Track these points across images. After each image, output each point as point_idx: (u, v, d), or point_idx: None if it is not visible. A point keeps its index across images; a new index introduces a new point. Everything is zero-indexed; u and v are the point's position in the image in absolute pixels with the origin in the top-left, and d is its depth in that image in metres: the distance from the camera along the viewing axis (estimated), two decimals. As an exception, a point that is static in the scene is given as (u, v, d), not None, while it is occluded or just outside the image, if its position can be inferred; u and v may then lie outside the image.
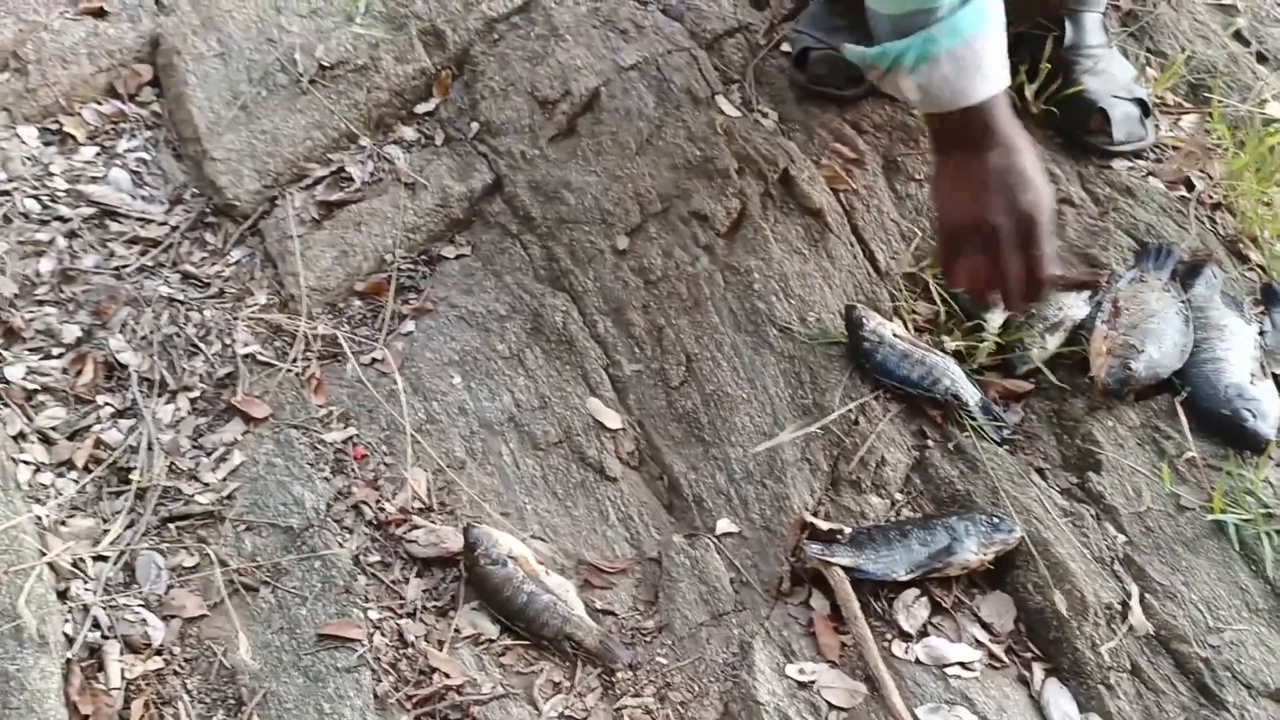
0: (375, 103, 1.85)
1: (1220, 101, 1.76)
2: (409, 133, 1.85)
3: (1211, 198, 1.69)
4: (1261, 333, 1.52)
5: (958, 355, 1.51)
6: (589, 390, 1.54)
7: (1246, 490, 1.36)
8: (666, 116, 1.74)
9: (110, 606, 1.28)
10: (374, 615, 1.30)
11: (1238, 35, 1.95)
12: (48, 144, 1.79)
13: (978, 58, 1.19)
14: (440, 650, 1.28)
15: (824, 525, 1.34)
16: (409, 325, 1.62)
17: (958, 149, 1.27)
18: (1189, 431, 1.41)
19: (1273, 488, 1.36)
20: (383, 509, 1.41)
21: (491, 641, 1.30)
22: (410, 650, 1.28)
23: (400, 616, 1.31)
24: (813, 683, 1.27)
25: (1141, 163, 1.75)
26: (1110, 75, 1.72)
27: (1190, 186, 1.71)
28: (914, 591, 1.34)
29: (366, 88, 1.85)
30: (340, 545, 1.36)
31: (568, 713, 1.25)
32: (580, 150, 1.75)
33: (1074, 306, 1.53)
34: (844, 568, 1.31)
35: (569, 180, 1.71)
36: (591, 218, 1.67)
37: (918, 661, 1.29)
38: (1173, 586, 1.31)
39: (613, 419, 1.51)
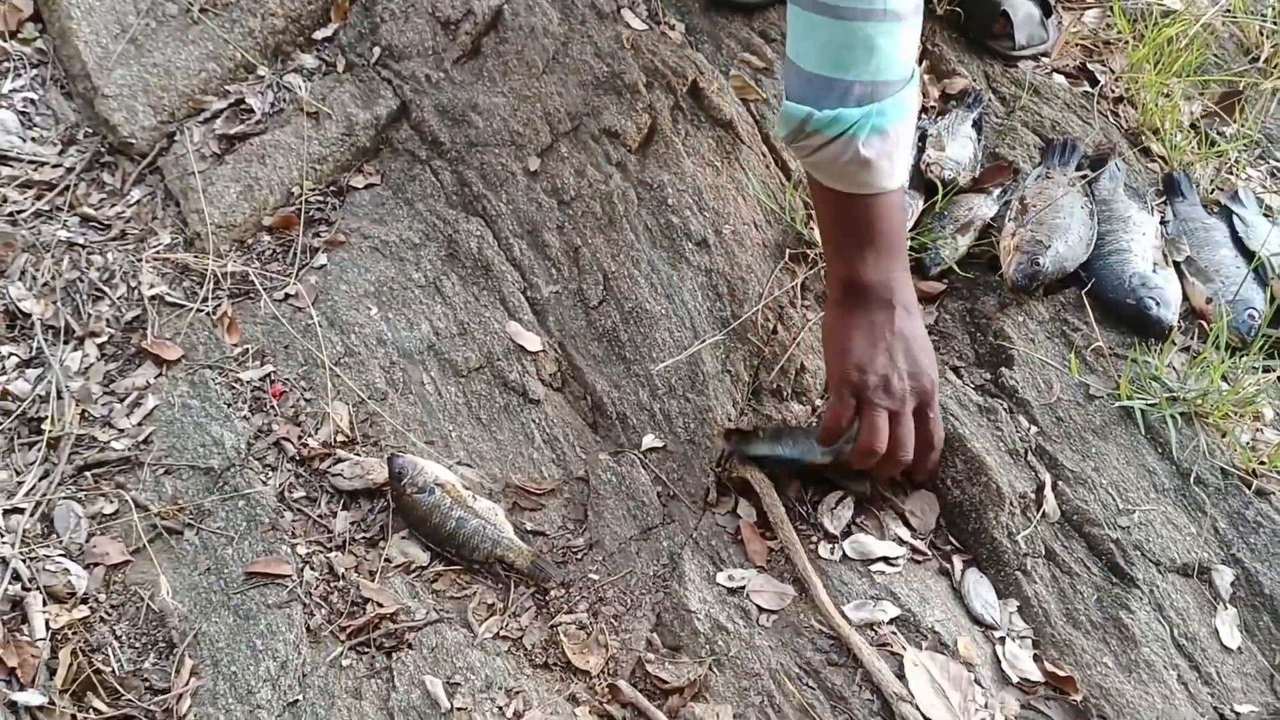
0: (271, 30, 1.79)
1: (1120, -7, 1.78)
2: (309, 60, 1.80)
3: (1114, 91, 1.71)
4: (1163, 222, 1.55)
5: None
6: (508, 314, 1.53)
7: (1152, 376, 1.40)
8: (572, 33, 1.71)
9: (30, 558, 1.26)
10: (302, 550, 1.30)
11: (1136, -73, 1.96)
12: (-74, 87, 1.71)
13: (904, 142, 1.18)
14: (371, 580, 1.28)
15: (744, 426, 1.36)
16: (321, 258, 1.59)
17: (858, 301, 1.26)
18: (1095, 322, 1.44)
19: (1176, 372, 1.41)
20: (305, 444, 1.40)
21: (423, 569, 1.31)
22: (341, 582, 1.28)
23: (329, 550, 1.31)
24: (742, 588, 1.30)
25: (1046, 60, 1.77)
26: (1011, -27, 1.72)
27: (1093, 81, 1.73)
28: (837, 494, 1.37)
29: (261, 15, 1.78)
30: (263, 483, 1.35)
31: (503, 633, 1.26)
32: (486, 71, 1.71)
33: (983, 205, 1.55)
34: (763, 456, 1.33)
35: (476, 102, 1.68)
36: (501, 140, 1.65)
37: (844, 559, 1.32)
38: (1084, 473, 1.35)
39: (533, 341, 1.50)
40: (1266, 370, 1.40)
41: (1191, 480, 1.34)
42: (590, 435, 1.46)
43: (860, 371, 1.24)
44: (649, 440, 1.42)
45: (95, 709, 1.16)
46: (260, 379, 1.46)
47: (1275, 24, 1.79)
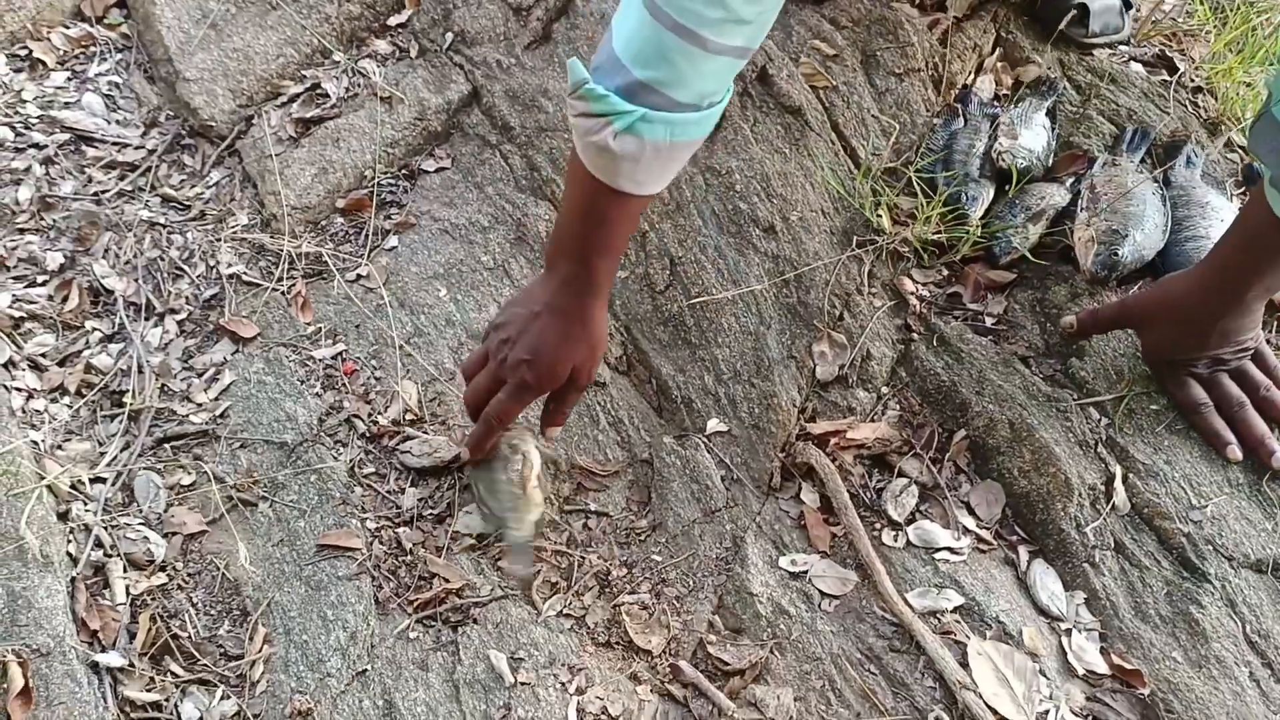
0: (347, 16, 1.82)
1: (1202, -19, 1.75)
2: (382, 46, 1.82)
3: (1193, 80, 1.68)
4: (1243, 213, 1.52)
5: (938, 246, 1.51)
6: (575, 297, 1.54)
7: (1228, 369, 1.37)
8: (642, 18, 1.71)
9: (111, 526, 1.30)
10: (371, 525, 1.32)
11: (1220, -87, 1.92)
12: (18, 70, 1.76)
13: (660, 160, 1.11)
14: (438, 556, 1.30)
15: None
16: (392, 240, 1.62)
17: (546, 273, 1.28)
18: (1170, 313, 1.42)
19: (1253, 366, 1.38)
20: (375, 422, 1.42)
21: (488, 546, 1.32)
22: (409, 557, 1.30)
23: (397, 525, 1.33)
24: (805, 573, 1.30)
25: (1124, 48, 1.74)
26: (1092, -35, 1.69)
27: (1172, 70, 1.69)
28: (902, 481, 1.36)
29: (337, 1, 1.82)
30: (335, 459, 1.38)
31: (566, 611, 1.28)
32: (557, 57, 1.73)
33: (1055, 194, 1.53)
34: None
35: (546, 88, 1.70)
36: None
37: (908, 546, 1.31)
38: (1155, 465, 1.33)
39: (600, 325, 1.51)
40: (1348, 365, 1.37)
41: (1266, 476, 1.31)
42: (655, 419, 1.47)
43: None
44: (713, 424, 1.43)
45: (173, 672, 1.20)
46: (332, 357, 1.49)
47: (1364, 11, 1.74)
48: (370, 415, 1.43)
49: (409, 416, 1.43)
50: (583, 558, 1.32)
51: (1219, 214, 1.46)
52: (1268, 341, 1.39)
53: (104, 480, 1.34)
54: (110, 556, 1.27)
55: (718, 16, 0.99)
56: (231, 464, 1.38)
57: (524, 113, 1.69)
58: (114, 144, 1.71)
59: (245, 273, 1.57)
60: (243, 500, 1.34)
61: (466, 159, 1.70)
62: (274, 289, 1.55)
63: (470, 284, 1.56)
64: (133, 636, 1.21)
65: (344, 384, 1.46)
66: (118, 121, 1.74)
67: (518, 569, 1.30)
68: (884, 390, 1.45)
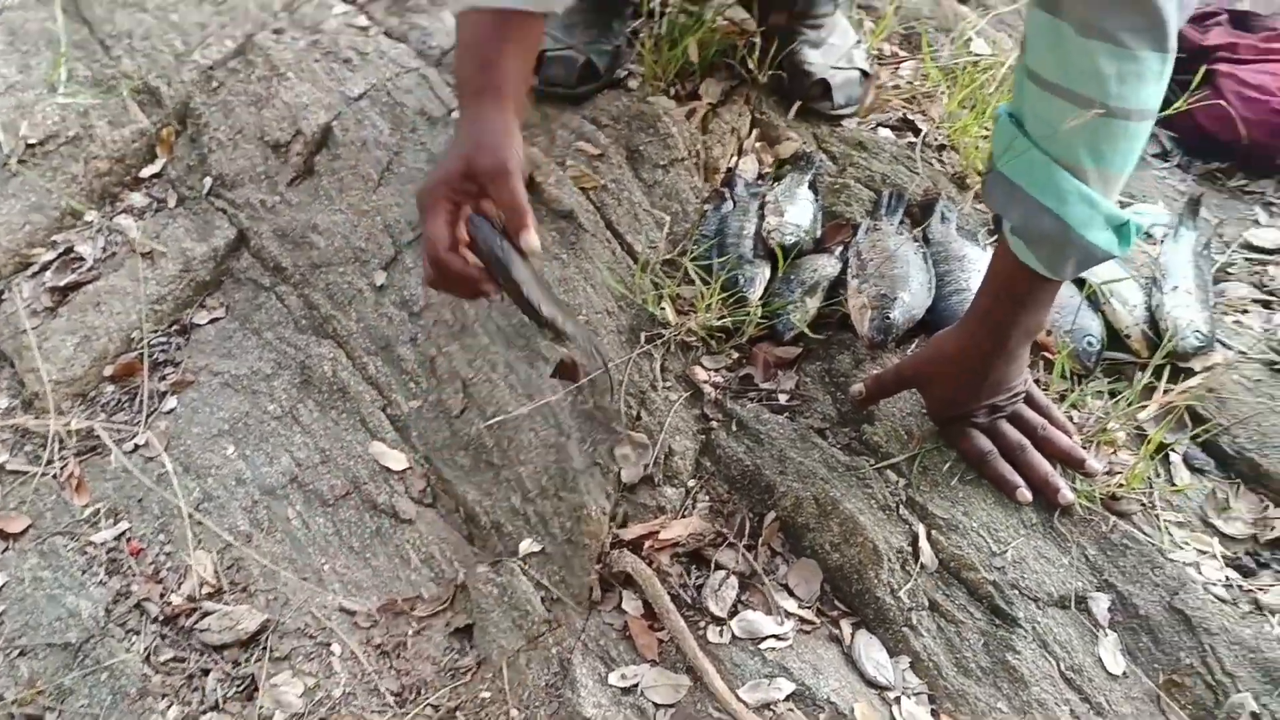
0: (95, 173, 1.75)
1: (930, 46, 1.84)
2: (138, 199, 1.76)
3: (936, 140, 1.77)
4: (999, 261, 1.59)
5: (724, 331, 1.54)
6: (370, 435, 1.50)
7: (1007, 413, 1.43)
8: (404, 141, 1.70)
9: (-124, 772, 1.18)
10: (174, 716, 1.24)
11: (937, -20, 2.05)
12: None
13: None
14: (252, 737, 1.23)
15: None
16: (170, 402, 1.54)
17: None
18: (947, 368, 1.47)
19: (1029, 407, 1.44)
20: (169, 602, 1.34)
21: (301, 718, 1.25)
22: (219, 745, 1.22)
23: (203, 711, 1.25)
24: (636, 686, 1.28)
25: (871, 116, 1.82)
26: (832, 46, 1.77)
27: (916, 131, 1.78)
28: (720, 574, 1.36)
29: (83, 159, 1.74)
30: (126, 650, 1.29)
31: (397, 770, 1.22)
32: (322, 189, 1.69)
33: (827, 265, 1.57)
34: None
35: (315, 222, 1.66)
36: (344, 257, 1.62)
37: (734, 640, 1.31)
38: (954, 518, 1.36)
39: (398, 460, 1.47)
40: (1112, 394, 1.44)
41: (1056, 513, 1.36)
42: (467, 548, 1.43)
43: None
44: (526, 545, 1.40)
45: None
46: (115, 538, 1.40)
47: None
48: (163, 595, 1.35)
49: (206, 590, 1.35)
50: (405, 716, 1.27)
51: (975, 265, 1.53)
52: (1035, 381, 1.46)
53: None
54: (-122, 807, 1.15)
55: None
56: (11, 676, 1.27)
57: (295, 251, 1.65)
58: None
59: (9, 461, 1.47)
60: (28, 715, 1.24)
61: (241, 306, 1.65)
62: (43, 474, 1.45)
63: (259, 436, 1.50)
64: None
65: (130, 566, 1.37)
66: None
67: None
68: (691, 484, 1.45)
